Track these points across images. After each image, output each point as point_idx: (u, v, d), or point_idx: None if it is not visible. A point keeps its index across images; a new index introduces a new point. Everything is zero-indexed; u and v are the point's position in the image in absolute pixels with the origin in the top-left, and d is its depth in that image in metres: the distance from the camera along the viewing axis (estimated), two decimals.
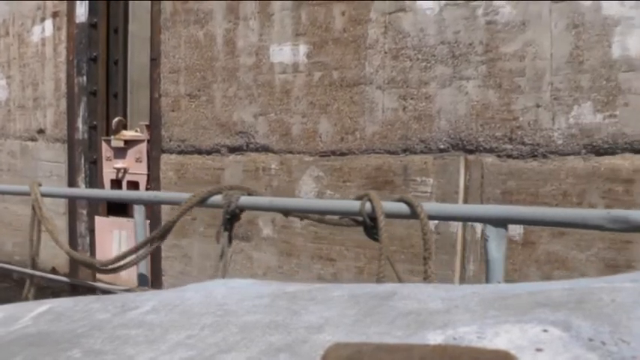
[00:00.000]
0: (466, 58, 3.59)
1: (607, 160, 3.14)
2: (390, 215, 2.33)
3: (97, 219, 5.59)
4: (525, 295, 1.10)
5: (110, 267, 3.17)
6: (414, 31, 3.80)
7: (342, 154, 4.12)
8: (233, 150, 4.71)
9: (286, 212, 2.80)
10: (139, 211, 3.17)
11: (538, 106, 3.35)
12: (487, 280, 2.10)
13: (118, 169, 5.58)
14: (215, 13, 4.83)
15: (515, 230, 3.21)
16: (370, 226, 2.36)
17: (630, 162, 3.08)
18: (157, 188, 4.99)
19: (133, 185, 5.43)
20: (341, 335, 1.04)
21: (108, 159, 5.75)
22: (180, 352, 1.08)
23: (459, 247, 3.54)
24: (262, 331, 1.12)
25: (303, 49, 4.28)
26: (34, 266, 3.79)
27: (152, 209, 4.77)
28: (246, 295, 1.37)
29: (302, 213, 2.72)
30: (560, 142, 3.28)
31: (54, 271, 5.30)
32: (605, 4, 3.14)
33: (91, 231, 5.65)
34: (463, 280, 3.46)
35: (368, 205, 2.33)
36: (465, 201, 3.54)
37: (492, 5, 3.51)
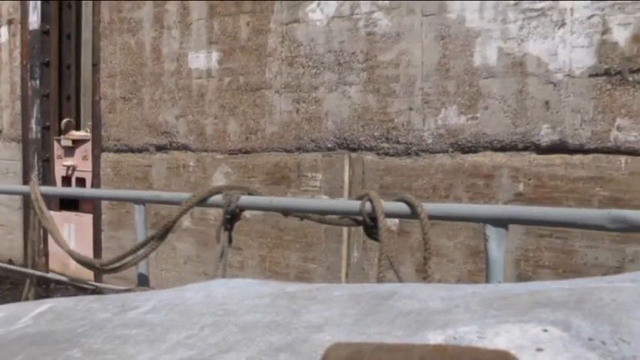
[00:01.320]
0: (349, 65, 3.99)
1: (470, 158, 3.50)
2: (390, 215, 2.33)
3: (50, 213, 5.83)
4: (525, 295, 1.10)
5: (110, 267, 3.17)
6: (306, 41, 4.20)
7: (247, 152, 4.52)
8: (159, 149, 5.12)
9: (286, 212, 2.80)
10: (139, 211, 3.17)
11: (410, 109, 3.72)
12: (487, 280, 2.10)
13: (68, 167, 6.03)
14: (144, 22, 5.28)
15: (392, 221, 3.52)
16: (370, 225, 2.36)
17: (490, 159, 3.42)
18: (98, 185, 5.43)
19: (81, 182, 5.84)
20: (341, 335, 1.04)
21: (59, 157, 6.21)
22: (180, 352, 1.08)
23: (345, 237, 3.89)
24: (262, 330, 1.12)
25: (215, 56, 4.72)
26: (33, 266, 3.79)
27: (93, 204, 5.06)
28: (247, 294, 1.37)
29: (302, 213, 2.72)
30: (429, 141, 3.65)
31: (11, 262, 5.73)
32: (468, 17, 3.48)
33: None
34: (348, 265, 3.84)
35: (368, 205, 2.33)
36: (350, 194, 3.90)
37: (372, 18, 3.89)
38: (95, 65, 5.78)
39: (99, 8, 5.70)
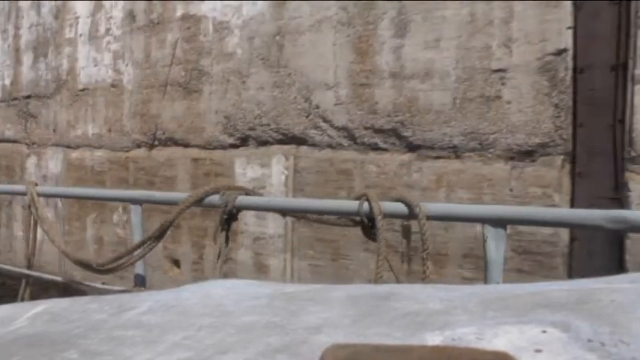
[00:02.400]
0: None
1: None
2: (389, 215, 2.32)
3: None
4: (524, 296, 1.10)
5: (106, 267, 3.16)
6: None
7: None
8: None
9: (284, 212, 2.79)
10: (135, 211, 3.16)
11: None
12: (486, 281, 2.09)
13: None
14: None
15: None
16: (368, 226, 2.35)
17: None
18: None
19: None
20: (339, 336, 1.04)
21: None
22: (177, 353, 1.08)
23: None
24: (260, 331, 1.12)
25: None
26: (30, 266, 3.78)
27: None
28: (244, 295, 1.36)
29: (300, 213, 2.71)
30: None
31: None
32: None
33: None
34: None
35: (366, 205, 2.33)
36: None
37: None
38: None
39: None
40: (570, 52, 2.67)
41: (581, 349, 0.87)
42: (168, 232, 4.00)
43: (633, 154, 2.49)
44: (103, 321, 1.32)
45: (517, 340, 0.91)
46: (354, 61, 3.25)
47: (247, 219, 3.61)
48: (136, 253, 2.99)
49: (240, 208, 2.71)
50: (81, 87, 4.72)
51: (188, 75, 3.97)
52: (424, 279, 2.20)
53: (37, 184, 3.72)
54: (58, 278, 3.98)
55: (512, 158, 2.81)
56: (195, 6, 3.91)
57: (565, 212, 2.04)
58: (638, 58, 2.47)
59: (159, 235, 2.91)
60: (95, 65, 4.59)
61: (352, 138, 3.29)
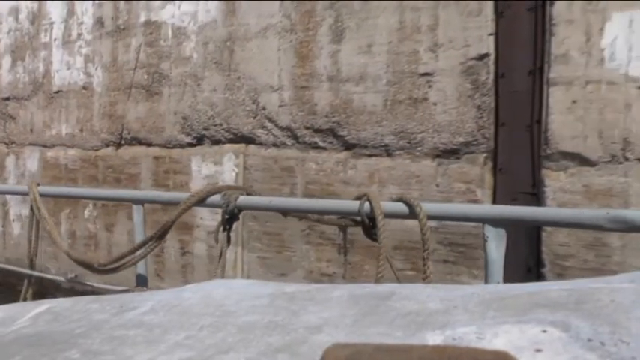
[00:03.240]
0: None
1: None
2: (389, 215, 2.33)
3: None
4: (524, 296, 1.10)
5: (108, 267, 3.16)
6: None
7: None
8: None
9: (285, 212, 2.80)
10: (137, 211, 3.16)
11: None
12: (486, 281, 2.10)
13: None
14: None
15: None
16: (369, 226, 2.36)
17: None
18: None
19: None
20: (340, 335, 1.04)
21: None
22: (178, 353, 1.08)
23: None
24: (261, 331, 1.12)
25: None
26: (32, 266, 3.78)
27: None
28: (245, 295, 1.36)
29: (301, 213, 2.71)
30: None
31: None
32: None
33: None
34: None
35: (367, 206, 2.33)
36: None
37: None
38: None
39: None
40: (492, 57, 2.84)
41: (581, 349, 0.87)
42: (133, 226, 4.25)
43: (549, 152, 2.65)
44: (105, 321, 1.33)
45: (517, 340, 0.91)
46: (296, 65, 3.46)
47: (203, 214, 3.79)
48: (137, 253, 3.00)
49: (241, 208, 2.72)
50: (55, 89, 4.94)
51: (150, 78, 4.19)
52: (425, 279, 2.20)
53: (39, 184, 3.73)
54: (61, 278, 3.99)
55: (438, 156, 2.99)
56: (157, 13, 4.15)
57: (565, 212, 2.04)
58: (553, 63, 2.63)
59: (160, 235, 2.92)
60: (68, 68, 4.83)
61: (294, 137, 3.48)
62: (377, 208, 2.29)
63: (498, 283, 2.03)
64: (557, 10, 2.64)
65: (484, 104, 2.85)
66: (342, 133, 3.29)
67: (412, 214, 2.25)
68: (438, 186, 2.98)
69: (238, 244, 3.70)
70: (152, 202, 3.23)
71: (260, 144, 3.64)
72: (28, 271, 3.82)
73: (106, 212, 4.53)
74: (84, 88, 4.69)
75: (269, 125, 3.58)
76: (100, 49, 4.55)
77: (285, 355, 1.00)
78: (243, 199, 2.70)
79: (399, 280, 2.61)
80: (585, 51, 2.58)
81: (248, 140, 3.69)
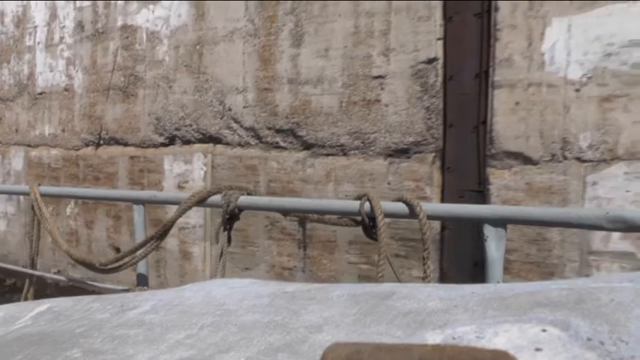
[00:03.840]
0: None
1: None
2: (389, 215, 2.33)
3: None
4: (524, 295, 1.10)
5: (109, 267, 3.17)
6: None
7: None
8: None
9: (285, 212, 2.80)
10: (138, 211, 3.17)
11: None
12: (486, 280, 2.10)
13: None
14: None
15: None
16: (369, 225, 2.36)
17: None
18: None
19: None
20: (340, 335, 1.04)
21: None
22: (179, 352, 1.08)
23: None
24: (261, 330, 1.12)
25: None
26: (33, 266, 3.79)
27: None
28: (246, 294, 1.37)
29: (301, 213, 2.72)
30: None
31: None
32: None
33: None
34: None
35: (367, 205, 2.34)
36: None
37: None
38: None
39: None
40: (440, 61, 2.96)
41: (581, 348, 0.87)
42: (111, 223, 4.46)
43: (493, 151, 2.78)
44: (106, 320, 1.33)
45: (517, 339, 0.92)
46: (259, 68, 3.62)
47: (174, 210, 3.90)
48: (138, 252, 3.00)
49: (242, 208, 2.72)
50: (39, 91, 5.13)
51: (126, 80, 4.38)
52: (424, 278, 2.20)
53: (39, 184, 3.74)
54: (62, 278, 3.99)
55: (390, 155, 3.13)
56: (132, 17, 4.33)
57: (565, 212, 2.05)
58: (497, 66, 2.75)
59: (161, 235, 2.92)
60: (51, 71, 5.03)
61: (258, 137, 3.64)
62: (377, 208, 2.29)
63: (498, 282, 2.03)
64: (502, 16, 2.73)
65: (433, 106, 2.98)
66: (301, 134, 3.43)
67: (412, 213, 2.26)
68: (389, 184, 3.12)
69: (207, 239, 3.86)
70: (152, 202, 3.23)
71: (226, 144, 3.79)
72: (29, 270, 3.83)
73: (86, 209, 4.68)
74: (65, 89, 4.87)
75: (234, 126, 3.73)
76: (81, 52, 4.74)
77: (285, 354, 1.01)
78: (243, 199, 2.70)
79: (399, 279, 2.62)
80: (527, 55, 2.69)
81: (215, 140, 3.84)
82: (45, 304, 1.55)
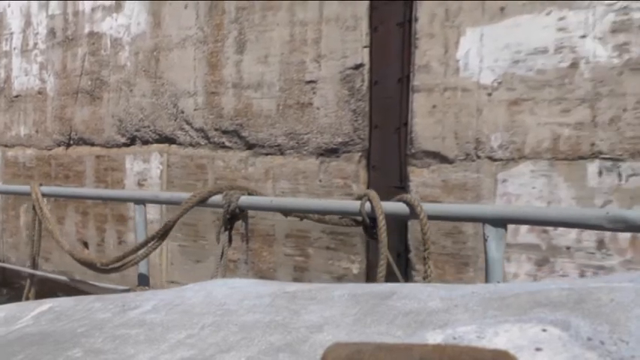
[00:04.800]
0: None
1: None
2: (390, 215, 2.33)
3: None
4: (524, 295, 1.10)
5: (111, 267, 3.17)
6: None
7: None
8: None
9: (286, 212, 2.80)
10: (139, 210, 3.17)
11: None
12: (486, 280, 2.10)
13: None
14: None
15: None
16: (370, 225, 2.36)
17: None
18: None
19: None
20: (341, 335, 1.05)
21: None
22: (180, 352, 1.08)
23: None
24: (262, 330, 1.12)
25: None
26: (34, 266, 3.79)
27: None
28: (247, 294, 1.37)
29: (302, 213, 2.72)
30: None
31: None
32: None
33: None
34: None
35: (368, 205, 2.34)
36: None
37: None
38: None
39: None
40: (366, 67, 3.15)
41: (581, 348, 0.88)
42: (80, 218, 4.63)
43: (413, 151, 2.95)
44: (107, 320, 1.33)
45: (517, 339, 0.92)
46: (208, 73, 3.86)
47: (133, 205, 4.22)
48: (139, 252, 3.00)
49: (242, 208, 2.72)
50: (15, 94, 5.41)
51: (93, 84, 4.66)
52: (425, 278, 2.20)
53: (41, 184, 3.74)
54: (63, 278, 4.00)
55: (321, 154, 3.33)
56: (98, 25, 4.62)
57: (566, 211, 2.05)
58: (416, 72, 2.93)
59: (162, 235, 2.92)
60: (26, 75, 5.33)
61: (207, 138, 3.87)
62: (378, 208, 2.29)
63: (498, 282, 2.03)
64: (421, 26, 2.93)
65: (359, 109, 3.17)
66: (244, 134, 3.67)
67: (413, 214, 2.26)
68: (320, 181, 3.33)
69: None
70: (152, 202, 3.23)
71: (180, 144, 4.05)
72: (29, 270, 3.83)
73: (58, 206, 4.86)
74: (39, 93, 5.15)
75: (186, 127, 3.98)
76: (52, 58, 5.02)
77: (286, 354, 1.01)
78: (244, 199, 2.70)
79: (400, 279, 2.62)
80: (444, 62, 2.88)
81: (170, 140, 4.10)
82: (46, 304, 1.55)
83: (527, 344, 0.90)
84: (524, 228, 2.62)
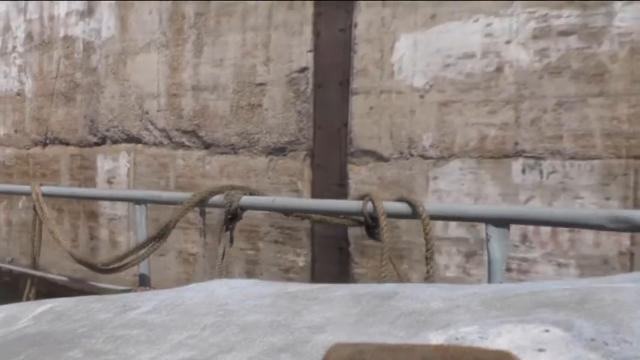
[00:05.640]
0: None
1: None
2: (392, 215, 2.33)
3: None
4: (527, 295, 1.10)
5: (111, 267, 3.17)
6: None
7: None
8: None
9: (288, 212, 2.80)
10: (139, 210, 3.16)
11: None
12: (489, 281, 2.09)
13: None
14: None
15: None
16: (372, 226, 2.36)
17: None
18: None
19: None
20: (342, 335, 1.04)
21: None
22: (181, 352, 1.08)
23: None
24: (264, 331, 1.12)
25: None
26: (34, 266, 3.79)
27: None
28: (248, 295, 1.37)
29: (303, 213, 2.71)
30: None
31: None
32: None
33: None
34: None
35: (369, 205, 2.33)
36: None
37: None
38: None
39: None
40: (311, 70, 3.31)
41: (584, 349, 0.87)
42: (55, 215, 4.63)
43: (352, 150, 3.11)
44: (108, 320, 1.33)
45: (520, 340, 0.91)
46: (169, 76, 4.05)
47: (105, 204, 4.43)
48: (140, 252, 3.00)
49: (243, 208, 2.72)
50: None
51: (67, 86, 4.84)
52: (427, 278, 2.20)
53: (41, 184, 3.74)
54: (63, 278, 4.00)
55: (270, 153, 3.50)
56: (72, 29, 4.81)
57: (567, 212, 2.04)
58: (355, 75, 3.11)
59: (162, 235, 2.92)
60: (5, 77, 5.53)
61: (169, 138, 4.04)
62: (379, 208, 2.29)
63: (500, 282, 2.02)
64: (359, 31, 3.09)
65: (304, 110, 3.33)
66: (201, 134, 3.84)
67: (415, 213, 2.25)
68: (269, 178, 3.50)
69: (130, 228, 4.22)
70: (153, 202, 3.23)
71: (145, 143, 4.22)
72: (30, 270, 3.83)
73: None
74: (18, 94, 5.35)
75: (151, 127, 4.16)
76: (30, 60, 5.22)
77: (287, 354, 1.00)
78: (245, 199, 2.70)
79: (401, 279, 2.61)
80: (380, 66, 3.03)
81: (137, 140, 4.27)
82: (46, 305, 1.55)
83: (529, 345, 0.89)
84: (453, 223, 2.74)
